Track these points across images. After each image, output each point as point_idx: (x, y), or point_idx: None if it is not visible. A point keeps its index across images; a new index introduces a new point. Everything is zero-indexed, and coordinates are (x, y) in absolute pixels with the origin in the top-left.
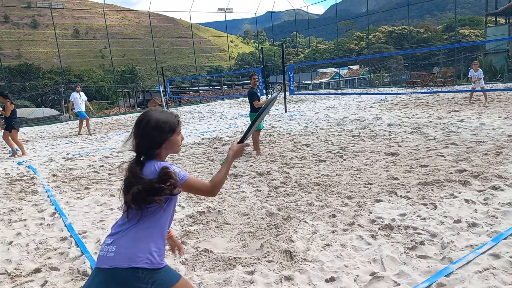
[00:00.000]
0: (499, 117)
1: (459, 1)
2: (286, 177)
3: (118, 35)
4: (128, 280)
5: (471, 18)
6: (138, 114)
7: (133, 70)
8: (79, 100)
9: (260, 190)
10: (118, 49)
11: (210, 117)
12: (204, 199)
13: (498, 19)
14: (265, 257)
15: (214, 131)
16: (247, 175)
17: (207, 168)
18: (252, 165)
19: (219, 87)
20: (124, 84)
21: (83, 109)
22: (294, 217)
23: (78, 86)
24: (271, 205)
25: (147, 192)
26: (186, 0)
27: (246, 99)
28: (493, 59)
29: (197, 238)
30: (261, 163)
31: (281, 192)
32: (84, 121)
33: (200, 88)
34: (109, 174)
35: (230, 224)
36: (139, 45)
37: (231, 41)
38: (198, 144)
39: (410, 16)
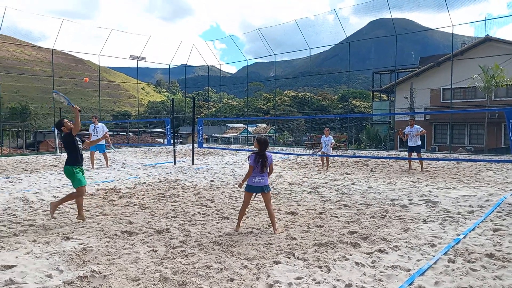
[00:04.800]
0: (383, 182)
1: (352, 77)
2: (186, 235)
3: (14, 70)
4: (263, 189)
5: (361, 92)
6: (25, 157)
7: (26, 108)
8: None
9: (156, 251)
10: (11, 84)
11: (109, 165)
12: (88, 260)
13: (382, 95)
14: None
15: (112, 181)
16: (143, 233)
17: (98, 224)
18: (150, 222)
19: (125, 134)
20: (13, 122)
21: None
22: (190, 282)
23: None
24: (166, 268)
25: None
26: (97, 43)
27: (153, 148)
28: (379, 129)
29: None
30: (160, 219)
31: (179, 253)
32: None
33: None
34: None
35: None
36: (37, 82)
37: (142, 88)
38: (92, 195)
39: (311, 85)
